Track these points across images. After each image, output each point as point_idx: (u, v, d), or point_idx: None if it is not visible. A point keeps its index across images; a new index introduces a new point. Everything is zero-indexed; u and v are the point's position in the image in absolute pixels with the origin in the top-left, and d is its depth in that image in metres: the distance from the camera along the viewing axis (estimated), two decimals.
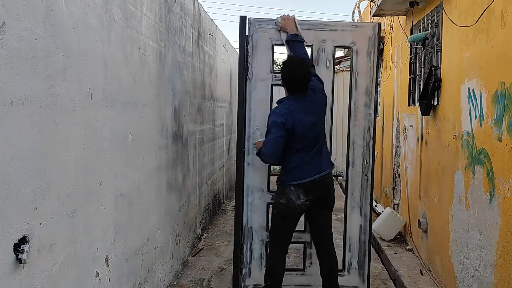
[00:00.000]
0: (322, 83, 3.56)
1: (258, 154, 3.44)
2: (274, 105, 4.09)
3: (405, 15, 5.75)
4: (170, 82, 3.89)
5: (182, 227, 4.48)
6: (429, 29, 4.75)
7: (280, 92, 3.53)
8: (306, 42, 3.71)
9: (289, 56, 3.62)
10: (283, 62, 3.50)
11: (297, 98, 3.37)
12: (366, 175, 3.94)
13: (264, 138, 3.39)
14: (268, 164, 3.82)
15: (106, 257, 2.65)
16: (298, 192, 3.33)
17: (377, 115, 6.61)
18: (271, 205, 4.00)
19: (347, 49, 8.50)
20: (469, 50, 3.60)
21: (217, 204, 6.92)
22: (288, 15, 3.78)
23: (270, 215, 4.05)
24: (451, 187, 3.89)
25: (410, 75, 5.60)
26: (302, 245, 4.06)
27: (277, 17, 3.79)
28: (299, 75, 3.31)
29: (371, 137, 3.92)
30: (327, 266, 3.53)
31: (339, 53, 10.16)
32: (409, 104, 5.58)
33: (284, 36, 3.74)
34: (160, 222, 3.71)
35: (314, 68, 3.63)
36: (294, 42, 3.62)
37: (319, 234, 3.55)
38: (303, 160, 3.34)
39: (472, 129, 3.49)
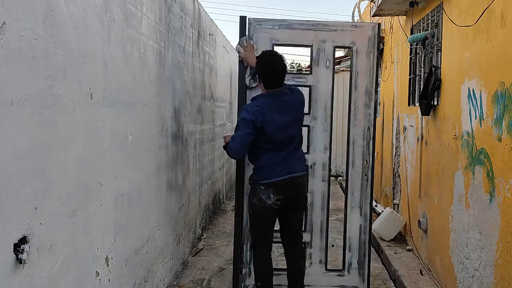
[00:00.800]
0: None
1: (225, 148, 3.41)
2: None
3: (405, 15, 5.75)
4: (170, 82, 3.89)
5: (182, 227, 4.48)
6: (429, 29, 4.75)
7: None
8: None
9: (263, 51, 3.54)
10: (258, 57, 3.45)
11: (272, 96, 3.32)
12: (366, 175, 3.94)
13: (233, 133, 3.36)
14: None
15: (106, 257, 2.65)
16: (268, 192, 3.28)
17: (377, 115, 6.61)
18: None
19: (347, 49, 8.51)
20: (469, 50, 3.60)
21: (217, 204, 6.92)
22: (247, 42, 3.70)
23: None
24: (451, 187, 3.89)
25: (410, 75, 5.60)
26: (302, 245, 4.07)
27: (237, 46, 3.74)
28: (277, 66, 3.30)
29: (371, 137, 3.92)
30: (295, 273, 3.49)
31: (339, 53, 10.18)
32: (409, 104, 5.58)
33: (248, 70, 3.72)
34: (160, 222, 3.71)
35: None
36: None
37: (290, 237, 3.50)
38: (274, 159, 3.29)
39: (472, 129, 3.49)
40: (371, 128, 3.92)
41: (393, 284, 4.38)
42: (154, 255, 3.58)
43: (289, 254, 3.52)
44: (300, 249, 3.57)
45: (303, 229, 3.64)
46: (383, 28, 6.79)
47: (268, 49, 3.64)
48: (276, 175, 3.28)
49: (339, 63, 10.11)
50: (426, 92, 4.46)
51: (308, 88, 3.94)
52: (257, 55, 3.58)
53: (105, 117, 2.56)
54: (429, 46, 4.78)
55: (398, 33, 6.17)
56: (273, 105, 3.29)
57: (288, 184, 3.30)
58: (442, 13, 4.31)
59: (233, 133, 3.34)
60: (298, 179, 3.35)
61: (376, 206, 6.80)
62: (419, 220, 4.78)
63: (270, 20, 3.85)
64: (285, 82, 3.73)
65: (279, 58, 3.33)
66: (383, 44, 6.99)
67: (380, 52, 6.69)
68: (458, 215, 3.74)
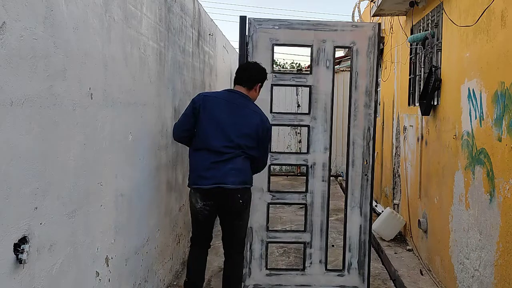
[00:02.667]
0: (265, 150, 3.44)
1: None
2: (275, 105, 4.11)
3: (405, 15, 5.76)
4: (170, 82, 3.89)
5: (182, 227, 4.48)
6: (429, 29, 4.75)
7: (280, 92, 3.55)
8: None
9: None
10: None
11: (229, 92, 3.40)
12: (366, 175, 3.94)
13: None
14: (268, 164, 3.85)
15: (106, 257, 2.65)
16: (196, 197, 3.23)
17: (377, 115, 6.61)
18: (271, 205, 4.01)
19: (347, 49, 8.51)
20: (469, 50, 3.60)
21: None
22: None
23: (270, 215, 4.07)
24: (451, 187, 3.89)
25: (410, 75, 5.60)
26: (302, 245, 4.07)
27: None
28: (243, 66, 3.44)
29: (371, 137, 3.92)
30: (228, 279, 3.40)
31: (339, 53, 10.18)
32: (409, 104, 5.58)
33: None
34: (160, 222, 3.71)
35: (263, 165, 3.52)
36: None
37: (227, 241, 3.42)
38: (203, 163, 3.18)
39: (472, 129, 3.49)
40: (371, 128, 3.92)
41: (393, 284, 4.38)
42: (154, 255, 3.58)
43: (227, 259, 3.43)
44: (237, 255, 3.43)
45: (244, 236, 3.47)
46: (383, 28, 6.79)
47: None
48: (202, 182, 3.16)
49: (339, 63, 10.11)
50: (426, 92, 4.46)
51: (308, 88, 3.95)
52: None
53: (105, 117, 2.56)
54: (429, 46, 4.78)
55: (398, 33, 6.17)
56: (226, 103, 3.26)
57: (215, 193, 3.17)
58: (442, 13, 4.31)
59: None
60: (227, 191, 3.15)
61: (376, 206, 6.80)
62: (419, 220, 4.78)
63: (270, 20, 3.86)
64: (284, 82, 3.74)
65: (254, 64, 3.45)
66: (383, 44, 6.99)
67: (380, 52, 6.69)
68: (458, 215, 3.74)
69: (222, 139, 3.17)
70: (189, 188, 3.32)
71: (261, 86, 3.45)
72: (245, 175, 3.23)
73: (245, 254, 3.91)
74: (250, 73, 3.38)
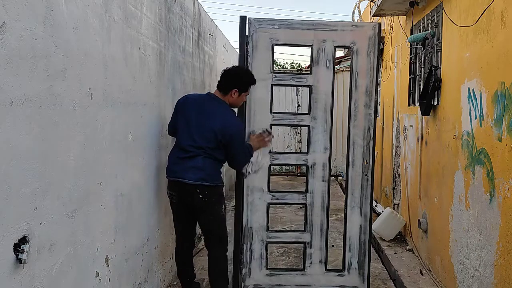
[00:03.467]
0: (239, 154, 3.54)
1: None
2: (275, 105, 4.11)
3: (405, 15, 5.75)
4: (170, 82, 3.89)
5: None
6: (429, 29, 4.75)
7: (280, 92, 3.55)
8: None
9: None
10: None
11: (205, 97, 3.55)
12: (366, 175, 3.94)
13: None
14: (268, 164, 3.87)
15: (106, 257, 2.65)
16: (167, 185, 3.54)
17: (377, 115, 6.61)
18: (271, 205, 4.01)
19: (347, 49, 8.51)
20: (469, 50, 3.60)
21: None
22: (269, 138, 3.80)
23: (270, 215, 4.07)
24: (451, 187, 3.89)
25: (410, 75, 5.60)
26: (302, 245, 4.07)
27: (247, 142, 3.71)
28: (227, 70, 3.55)
29: (371, 137, 3.92)
30: (212, 274, 3.54)
31: (339, 53, 10.17)
32: (409, 104, 5.58)
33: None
34: (160, 222, 3.71)
35: (245, 162, 3.69)
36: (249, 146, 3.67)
37: (205, 237, 3.60)
38: (172, 156, 3.49)
39: (472, 129, 3.49)
40: (371, 128, 3.92)
41: (393, 284, 4.38)
42: (154, 255, 3.58)
43: (208, 254, 3.60)
44: (214, 250, 3.54)
45: (220, 231, 3.53)
46: (383, 28, 6.78)
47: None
48: (169, 175, 3.48)
49: (339, 63, 10.11)
50: (426, 92, 4.46)
51: (308, 88, 3.94)
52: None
53: (105, 117, 2.56)
54: (429, 46, 4.78)
55: (398, 33, 6.17)
56: (197, 101, 3.52)
57: (177, 186, 3.42)
58: (442, 13, 4.31)
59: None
60: (187, 186, 3.37)
61: (376, 206, 6.80)
62: (419, 220, 4.78)
63: (270, 20, 3.85)
64: (284, 82, 3.73)
65: (234, 68, 3.56)
66: (383, 44, 6.99)
67: (380, 52, 6.68)
68: (458, 215, 3.74)
69: (188, 138, 3.41)
70: None
71: (239, 91, 3.50)
72: (204, 173, 3.38)
73: (245, 254, 3.91)
74: (226, 79, 3.52)
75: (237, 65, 3.76)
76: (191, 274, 3.72)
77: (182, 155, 3.40)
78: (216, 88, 3.57)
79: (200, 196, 3.38)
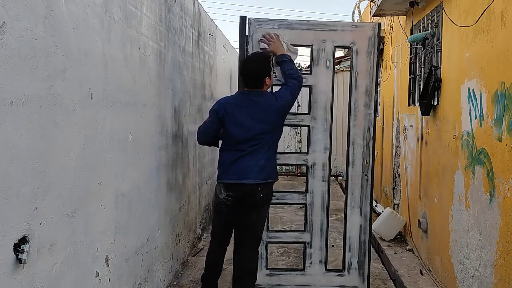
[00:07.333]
0: (292, 96, 3.54)
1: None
2: None
3: (405, 15, 5.75)
4: (170, 82, 3.89)
5: (182, 227, 4.48)
6: (429, 29, 4.75)
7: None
8: (292, 58, 3.71)
9: (252, 53, 3.70)
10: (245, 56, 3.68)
11: (242, 94, 3.52)
12: (366, 175, 3.94)
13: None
14: None
15: (106, 257, 2.65)
16: (221, 187, 3.46)
17: (377, 115, 6.61)
18: (271, 205, 4.01)
19: (347, 49, 8.51)
20: (469, 50, 3.60)
21: None
22: (271, 35, 3.74)
23: (270, 215, 4.07)
24: (451, 187, 3.89)
25: (410, 75, 5.60)
26: (302, 245, 4.07)
27: (261, 39, 3.76)
28: (247, 69, 3.46)
29: (371, 137, 3.92)
30: (242, 271, 3.49)
31: (339, 53, 10.18)
32: (409, 104, 5.58)
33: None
34: (160, 222, 3.71)
35: (299, 82, 3.58)
36: (282, 62, 3.66)
37: (241, 235, 3.53)
38: (228, 159, 3.43)
39: (472, 129, 3.49)
40: (371, 128, 3.92)
41: (393, 284, 4.38)
42: (154, 255, 3.58)
43: (243, 257, 3.51)
44: (250, 248, 3.51)
45: (260, 231, 3.56)
46: (383, 28, 6.78)
47: (256, 52, 3.67)
48: (226, 177, 3.42)
49: (339, 63, 10.12)
50: (426, 92, 4.46)
51: (308, 88, 3.95)
52: (256, 52, 3.64)
53: (105, 117, 2.56)
54: (429, 46, 4.78)
55: (398, 33, 6.17)
56: (242, 103, 3.44)
57: (236, 187, 3.39)
58: (442, 13, 4.31)
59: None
60: (248, 186, 3.36)
61: (376, 206, 6.80)
62: (419, 220, 4.78)
63: (270, 20, 3.86)
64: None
65: (252, 64, 3.47)
66: (383, 44, 6.99)
67: (380, 52, 6.69)
68: (458, 215, 3.74)
69: (245, 135, 3.38)
70: (216, 182, 3.55)
71: (269, 76, 3.48)
72: (266, 170, 3.41)
73: None
74: (253, 75, 3.45)
75: (242, 58, 3.71)
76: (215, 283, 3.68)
77: (238, 155, 3.38)
78: (246, 88, 3.51)
79: (261, 195, 3.40)
